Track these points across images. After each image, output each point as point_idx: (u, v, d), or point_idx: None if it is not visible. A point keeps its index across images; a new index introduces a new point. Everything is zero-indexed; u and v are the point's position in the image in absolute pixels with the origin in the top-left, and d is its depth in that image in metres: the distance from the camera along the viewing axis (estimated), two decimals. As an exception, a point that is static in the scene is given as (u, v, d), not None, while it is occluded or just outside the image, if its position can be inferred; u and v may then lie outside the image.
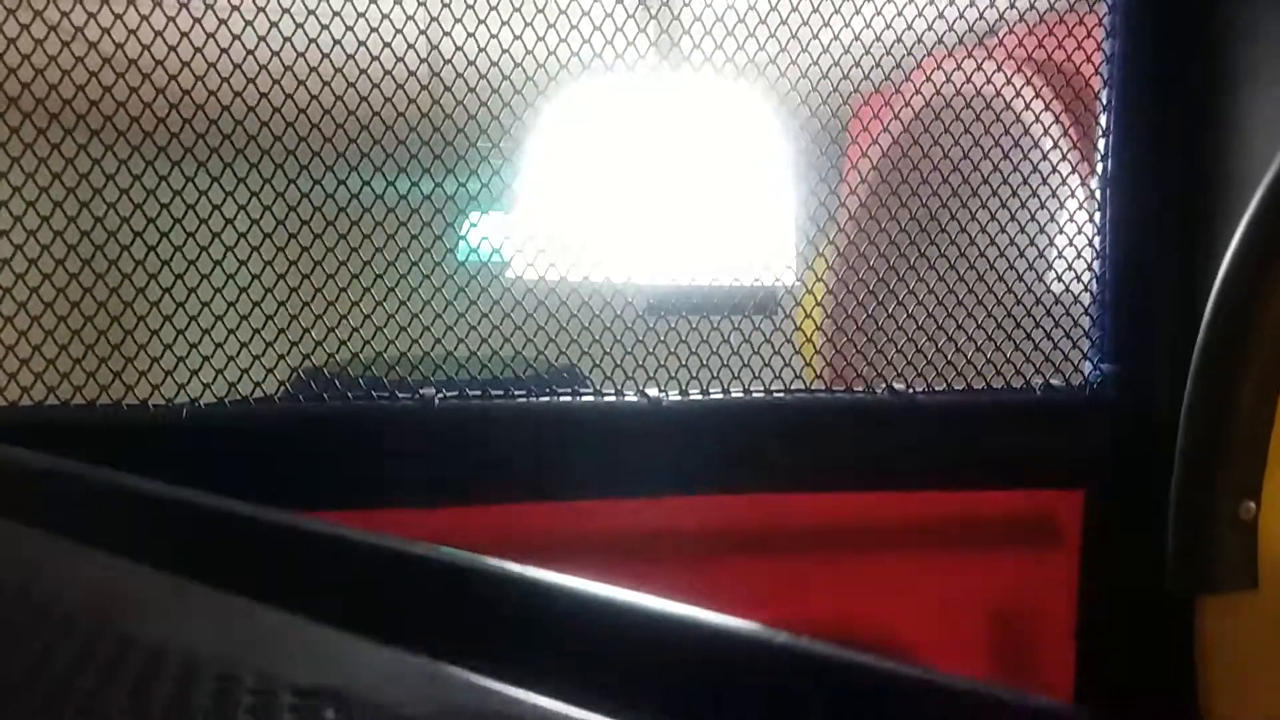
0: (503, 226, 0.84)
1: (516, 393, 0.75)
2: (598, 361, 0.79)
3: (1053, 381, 0.87)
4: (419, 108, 0.80)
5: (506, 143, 0.82)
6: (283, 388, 0.74)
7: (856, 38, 0.87)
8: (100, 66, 0.74)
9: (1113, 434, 0.86)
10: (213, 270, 0.76)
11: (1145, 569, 0.79)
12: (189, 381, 0.72)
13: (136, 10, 0.73)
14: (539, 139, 0.90)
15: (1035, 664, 0.84)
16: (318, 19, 0.77)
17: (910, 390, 0.82)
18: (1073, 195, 0.95)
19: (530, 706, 0.24)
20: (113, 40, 0.73)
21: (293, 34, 0.77)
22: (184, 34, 0.74)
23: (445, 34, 0.79)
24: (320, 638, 0.27)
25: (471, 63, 0.80)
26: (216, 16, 0.75)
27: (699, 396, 0.78)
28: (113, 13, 0.73)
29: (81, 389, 0.71)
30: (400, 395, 0.73)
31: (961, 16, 0.89)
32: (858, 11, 0.86)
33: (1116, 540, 0.84)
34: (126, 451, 0.67)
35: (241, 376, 0.74)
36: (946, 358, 0.86)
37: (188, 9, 0.74)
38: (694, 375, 0.79)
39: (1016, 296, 0.88)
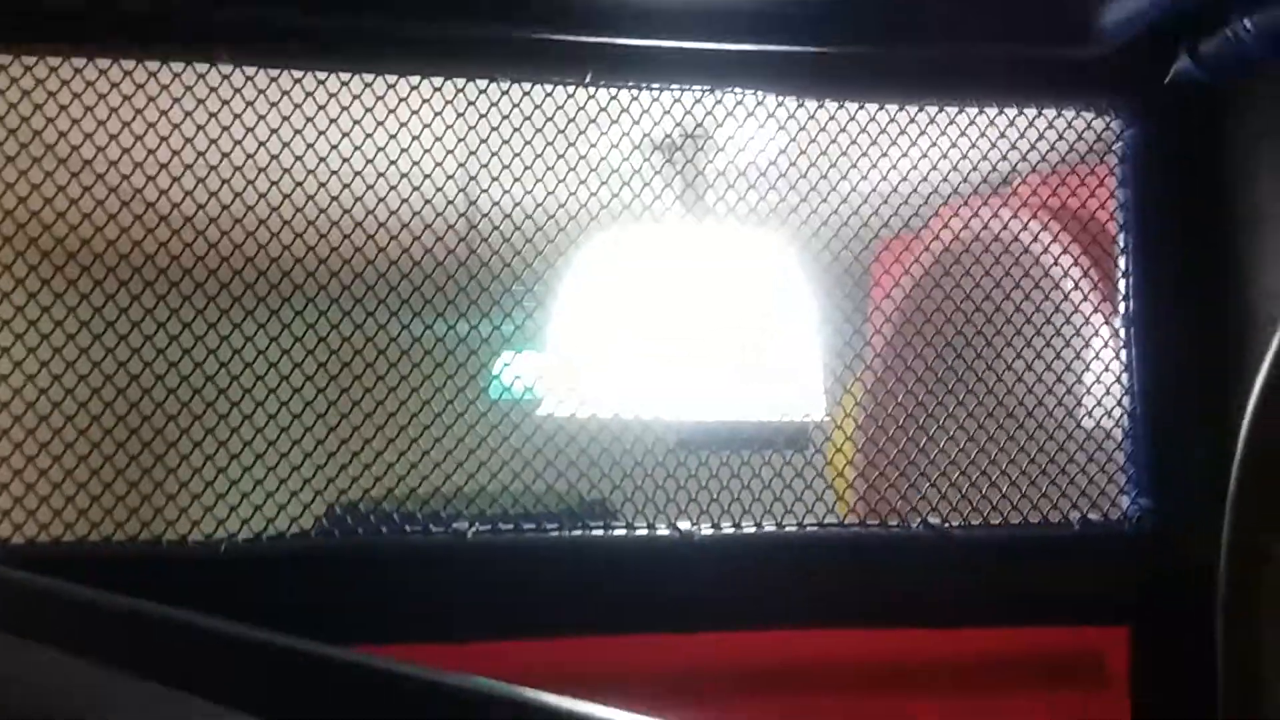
0: (535, 365, 0.86)
1: (549, 527, 0.75)
2: (629, 496, 0.79)
3: (1090, 516, 0.86)
4: (456, 257, 0.84)
5: (539, 287, 0.85)
6: (319, 523, 0.75)
7: (874, 189, 0.90)
8: (144, 210, 0.78)
9: (1154, 569, 0.84)
10: (254, 410, 0.78)
11: (1198, 707, 0.76)
12: (228, 517, 0.73)
13: (182, 162, 0.78)
14: (570, 283, 0.93)
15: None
16: (363, 180, 0.81)
17: (946, 524, 0.81)
18: (1097, 334, 0.96)
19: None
20: (169, 200, 0.78)
21: (340, 193, 0.81)
22: (238, 194, 0.79)
23: (482, 191, 0.84)
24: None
25: (507, 215, 0.83)
26: (268, 178, 0.80)
27: (731, 530, 0.77)
28: (171, 176, 0.78)
29: (123, 525, 0.72)
30: (434, 530, 0.73)
31: (975, 169, 0.92)
32: (874, 165, 0.90)
33: (1166, 678, 0.81)
34: (167, 585, 0.67)
35: (279, 512, 0.74)
36: (981, 492, 0.85)
37: (232, 162, 0.79)
38: (725, 509, 0.79)
39: (1048, 432, 0.88)
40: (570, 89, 0.85)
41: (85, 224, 0.78)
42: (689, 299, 0.96)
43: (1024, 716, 0.79)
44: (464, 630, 0.69)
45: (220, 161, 0.79)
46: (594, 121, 0.86)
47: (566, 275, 0.93)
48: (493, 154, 0.84)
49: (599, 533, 0.75)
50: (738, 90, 0.86)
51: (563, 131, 0.84)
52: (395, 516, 0.74)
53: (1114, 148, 0.93)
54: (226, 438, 0.77)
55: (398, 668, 0.35)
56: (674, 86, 0.85)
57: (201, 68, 0.78)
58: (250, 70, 0.79)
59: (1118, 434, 0.88)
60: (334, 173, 0.81)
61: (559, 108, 0.85)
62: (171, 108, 0.78)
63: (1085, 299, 0.97)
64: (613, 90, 0.86)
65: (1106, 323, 0.96)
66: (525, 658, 0.69)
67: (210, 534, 0.72)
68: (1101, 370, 0.91)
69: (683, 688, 0.71)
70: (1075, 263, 1.01)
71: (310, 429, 0.79)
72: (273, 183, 0.80)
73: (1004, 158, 0.93)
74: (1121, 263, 0.91)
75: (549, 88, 0.85)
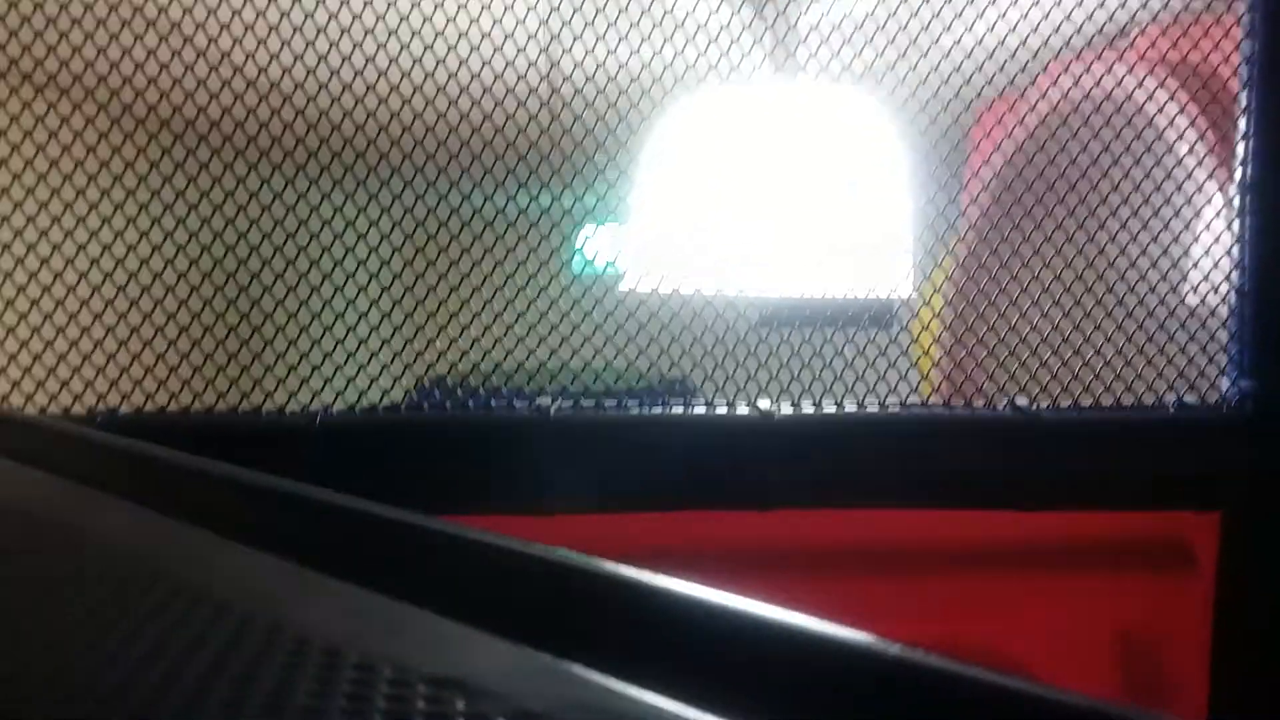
0: (617, 239, 0.85)
1: (629, 404, 0.76)
2: (710, 374, 0.80)
3: (1187, 399, 0.83)
4: (539, 124, 0.82)
5: (622, 156, 0.84)
6: (408, 397, 0.77)
7: (979, 43, 0.85)
8: (245, 89, 0.79)
9: (1252, 453, 0.81)
10: (345, 283, 0.79)
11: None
12: (322, 389, 0.76)
13: (278, 36, 0.78)
14: (654, 152, 0.91)
15: (1165, 691, 0.80)
16: (445, 40, 0.80)
17: (1034, 407, 0.80)
18: (1209, 203, 0.91)
19: (645, 704, 0.24)
20: (256, 64, 0.78)
21: (421, 55, 0.80)
22: (322, 57, 0.78)
23: (565, 51, 0.81)
24: (448, 632, 0.28)
25: (589, 78, 0.81)
26: (351, 40, 0.79)
27: (811, 410, 0.77)
28: (257, 38, 0.77)
29: (225, 396, 0.76)
30: (517, 405, 0.75)
31: (1089, 19, 0.86)
32: (980, 16, 0.85)
33: (1256, 563, 0.80)
34: (264, 454, 0.71)
35: (371, 385, 0.77)
36: (1073, 373, 0.83)
37: (325, 33, 0.78)
38: (807, 388, 0.79)
39: (1148, 309, 0.84)
40: (656, -63, 0.81)
41: (177, 91, 0.79)
42: (776, 166, 0.93)
43: (1104, 600, 0.79)
44: (545, 503, 0.71)
45: (303, 22, 0.78)
46: (680, -28, 0.82)
47: (650, 143, 0.91)
48: (575, 10, 0.82)
49: (679, 410, 0.75)
50: (834, -65, 0.81)
51: (648, -17, 0.81)
52: (480, 391, 0.76)
53: (1243, -7, 0.85)
54: (319, 310, 0.79)
55: (481, 536, 0.37)
56: (766, -69, 0.81)
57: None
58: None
59: (1223, 311, 0.84)
60: (415, 33, 0.79)
61: (643, -43, 0.81)
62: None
63: (1200, 164, 0.91)
64: (700, -64, 0.82)
65: (1221, 190, 0.90)
66: (603, 530, 0.72)
67: (306, 406, 0.74)
68: (1211, 242, 0.86)
69: (758, 564, 0.73)
70: (1192, 124, 0.95)
71: (398, 302, 0.80)
72: (355, 44, 0.79)
73: (1121, 6, 0.86)
74: (1242, 124, 0.85)
75: (634, -64, 0.81)
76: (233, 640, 0.27)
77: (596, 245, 0.86)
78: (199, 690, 0.24)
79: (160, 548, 0.38)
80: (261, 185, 0.79)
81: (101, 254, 0.76)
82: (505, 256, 0.81)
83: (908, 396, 0.80)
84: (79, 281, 0.76)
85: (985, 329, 0.84)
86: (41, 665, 0.26)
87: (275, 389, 0.76)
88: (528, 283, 0.80)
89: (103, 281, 0.76)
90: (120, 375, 0.75)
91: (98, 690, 0.24)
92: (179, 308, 0.78)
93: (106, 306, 0.76)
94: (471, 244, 0.81)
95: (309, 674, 0.25)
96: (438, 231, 0.81)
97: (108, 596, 0.32)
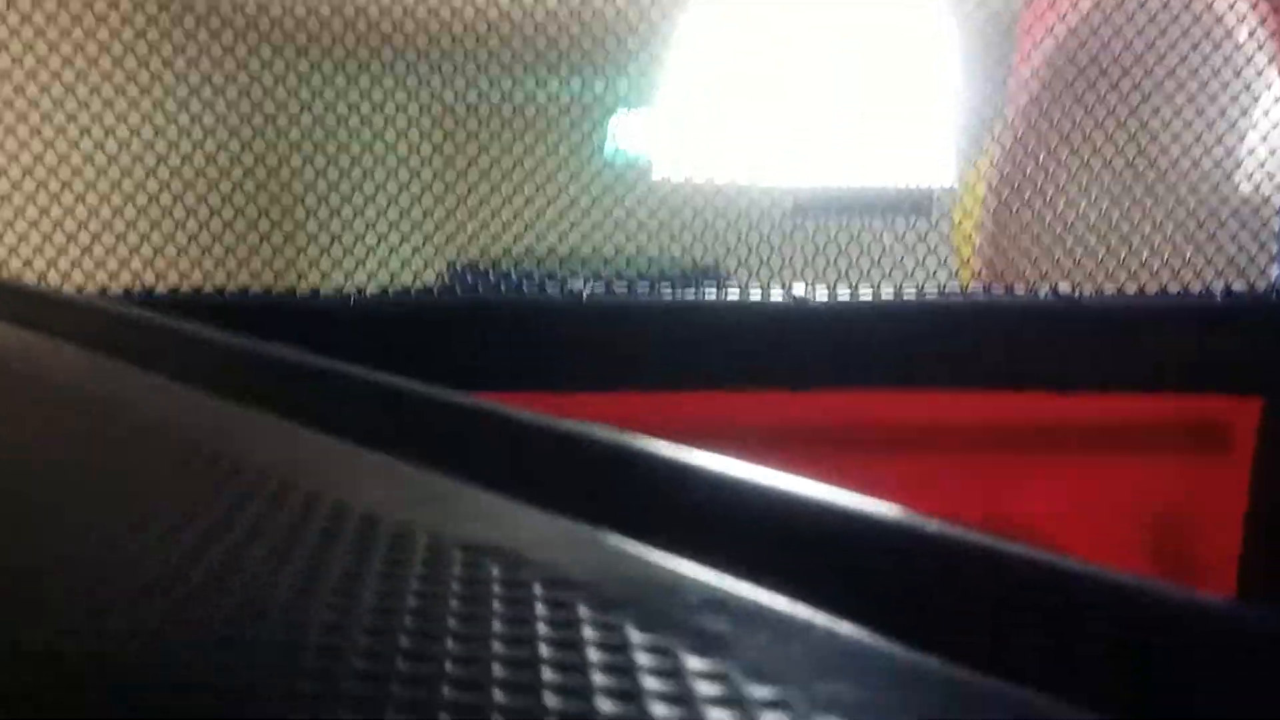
0: (648, 125, 0.83)
1: (661, 289, 0.75)
2: (743, 261, 0.78)
3: (1235, 287, 0.81)
4: (568, 5, 0.80)
5: (655, 40, 0.81)
6: (440, 280, 0.77)
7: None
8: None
9: (1300, 341, 0.79)
10: (375, 167, 0.78)
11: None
12: (355, 271, 0.76)
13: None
14: (688, 35, 0.88)
15: (1196, 572, 0.80)
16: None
17: (1076, 294, 0.78)
18: (1268, 88, 0.87)
19: (682, 573, 0.24)
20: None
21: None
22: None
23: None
24: (485, 502, 0.28)
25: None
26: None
27: (847, 297, 0.76)
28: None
29: (259, 277, 0.76)
30: (549, 289, 0.74)
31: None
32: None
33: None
34: (297, 334, 0.71)
35: (403, 268, 0.77)
36: (1119, 261, 0.81)
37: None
38: (843, 275, 0.78)
39: (1199, 196, 0.82)
40: None
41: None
42: (814, 50, 0.90)
43: (1141, 482, 0.79)
44: (576, 383, 0.71)
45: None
46: None
47: (682, 25, 0.88)
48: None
49: (711, 296, 0.74)
50: None
51: None
52: (512, 275, 0.76)
53: None
54: (350, 193, 0.78)
55: (517, 412, 0.36)
56: None
57: None
58: None
59: (1276, 200, 0.81)
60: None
61: None
62: None
63: (1259, 48, 0.87)
64: None
65: (1281, 76, 0.86)
66: (635, 410, 0.72)
67: (340, 288, 0.75)
68: (1268, 129, 0.83)
69: (793, 443, 0.72)
70: (1253, 7, 0.90)
71: (429, 186, 0.79)
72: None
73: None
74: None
75: None
76: (269, 508, 0.27)
77: (628, 132, 0.83)
78: (233, 555, 0.24)
79: (198, 422, 0.38)
80: (288, 68, 0.77)
81: (131, 137, 0.75)
82: (535, 142, 0.79)
83: (946, 284, 0.78)
84: (110, 163, 0.75)
85: (1030, 216, 0.82)
86: (88, 544, 0.26)
87: (309, 270, 0.76)
88: (558, 168, 0.78)
89: (133, 163, 0.75)
90: (155, 255, 0.75)
91: (138, 563, 0.24)
92: (210, 189, 0.78)
93: (138, 188, 0.76)
94: (501, 129, 0.79)
95: (346, 540, 0.25)
96: (467, 117, 0.79)
97: (148, 469, 0.32)
